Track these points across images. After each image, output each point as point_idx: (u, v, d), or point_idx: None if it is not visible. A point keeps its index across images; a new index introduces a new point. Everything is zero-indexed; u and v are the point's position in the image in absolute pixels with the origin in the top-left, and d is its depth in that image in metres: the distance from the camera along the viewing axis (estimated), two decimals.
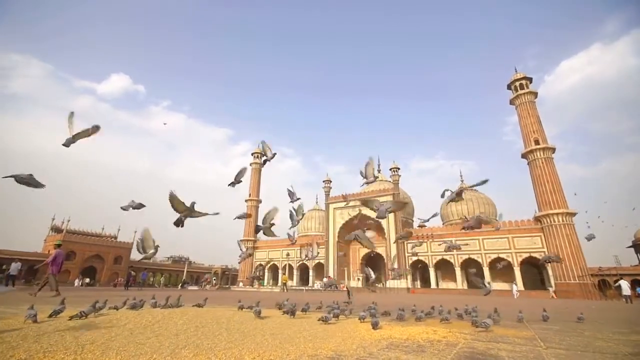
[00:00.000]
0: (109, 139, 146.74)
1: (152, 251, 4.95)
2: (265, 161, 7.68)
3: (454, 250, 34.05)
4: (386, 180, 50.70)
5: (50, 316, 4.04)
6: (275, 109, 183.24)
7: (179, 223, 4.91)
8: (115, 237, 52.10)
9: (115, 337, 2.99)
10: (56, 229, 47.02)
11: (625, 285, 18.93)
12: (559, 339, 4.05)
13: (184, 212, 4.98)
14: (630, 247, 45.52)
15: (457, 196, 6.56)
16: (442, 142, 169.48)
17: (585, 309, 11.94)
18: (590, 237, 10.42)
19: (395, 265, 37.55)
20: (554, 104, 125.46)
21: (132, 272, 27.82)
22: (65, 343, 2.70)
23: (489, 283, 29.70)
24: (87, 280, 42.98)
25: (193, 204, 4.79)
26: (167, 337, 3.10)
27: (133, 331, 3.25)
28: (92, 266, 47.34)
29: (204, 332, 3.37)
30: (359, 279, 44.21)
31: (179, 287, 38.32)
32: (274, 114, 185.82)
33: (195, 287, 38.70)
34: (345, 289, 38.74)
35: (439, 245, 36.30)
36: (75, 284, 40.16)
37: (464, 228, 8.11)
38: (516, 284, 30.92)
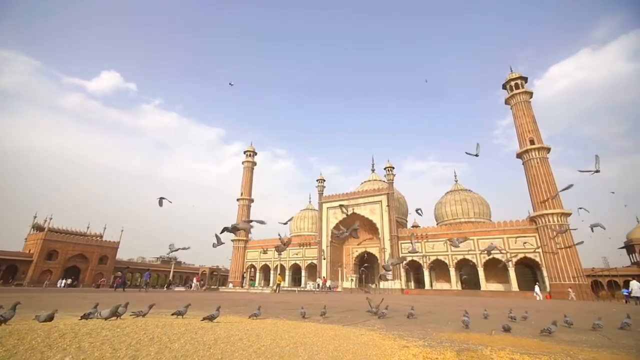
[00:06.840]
0: (98, 137, 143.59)
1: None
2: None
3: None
4: (380, 180, 49.93)
5: None
6: (268, 109, 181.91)
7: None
8: (101, 236, 50.43)
9: None
10: (38, 227, 45.25)
11: (636, 286, 18.03)
12: None
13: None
14: (622, 247, 45.59)
15: None
16: (434, 144, 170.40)
17: (607, 311, 11.12)
18: (595, 225, 9.63)
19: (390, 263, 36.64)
20: (543, 107, 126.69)
21: (119, 272, 26.49)
22: None
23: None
24: (70, 280, 41.23)
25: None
26: None
27: None
28: (76, 266, 45.58)
29: None
30: (352, 279, 43.33)
31: (165, 288, 36.89)
32: (267, 114, 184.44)
33: (182, 288, 37.32)
34: (339, 290, 37.87)
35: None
36: (58, 285, 38.57)
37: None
38: (539, 285, 30.10)
